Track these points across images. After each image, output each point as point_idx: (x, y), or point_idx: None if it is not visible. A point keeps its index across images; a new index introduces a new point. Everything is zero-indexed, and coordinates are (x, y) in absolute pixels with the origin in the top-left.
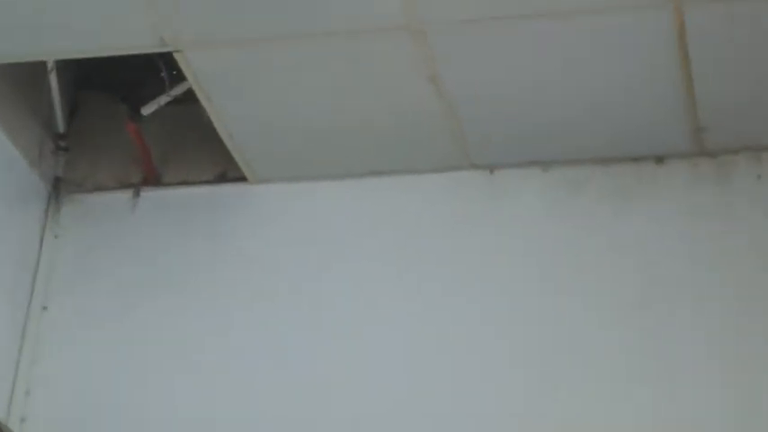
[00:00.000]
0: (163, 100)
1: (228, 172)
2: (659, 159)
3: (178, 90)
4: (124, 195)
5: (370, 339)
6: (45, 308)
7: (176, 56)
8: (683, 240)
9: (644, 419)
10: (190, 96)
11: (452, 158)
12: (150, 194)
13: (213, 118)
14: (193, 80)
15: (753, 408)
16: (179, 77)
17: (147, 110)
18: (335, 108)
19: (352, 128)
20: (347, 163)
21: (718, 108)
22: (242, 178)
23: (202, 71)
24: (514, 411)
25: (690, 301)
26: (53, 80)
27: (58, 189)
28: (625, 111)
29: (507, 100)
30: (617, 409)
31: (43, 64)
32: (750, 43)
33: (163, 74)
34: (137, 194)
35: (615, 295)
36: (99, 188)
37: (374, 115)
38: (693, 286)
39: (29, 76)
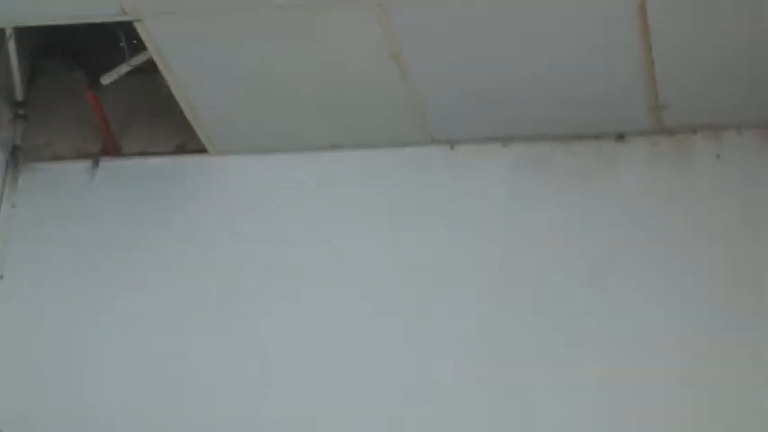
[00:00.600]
0: (123, 69)
1: (188, 143)
2: (619, 137)
3: (138, 60)
4: (83, 165)
5: (328, 310)
6: (1, 276)
7: (137, 25)
8: (641, 216)
9: (604, 391)
10: (150, 66)
11: (413, 133)
12: (109, 164)
13: (173, 88)
14: (154, 50)
15: (713, 380)
16: (139, 47)
17: (106, 79)
18: (296, 81)
19: (313, 101)
20: (307, 136)
21: (678, 86)
22: (202, 150)
23: (163, 41)
24: (472, 376)
25: (647, 276)
26: (12, 48)
27: (16, 158)
28: (586, 88)
29: (467, 76)
30: (575, 379)
31: (2, 31)
32: (711, 22)
33: (122, 43)
34: (95, 164)
35: (574, 269)
36: (57, 157)
37: (336, 89)
38: (651, 262)
39: None
